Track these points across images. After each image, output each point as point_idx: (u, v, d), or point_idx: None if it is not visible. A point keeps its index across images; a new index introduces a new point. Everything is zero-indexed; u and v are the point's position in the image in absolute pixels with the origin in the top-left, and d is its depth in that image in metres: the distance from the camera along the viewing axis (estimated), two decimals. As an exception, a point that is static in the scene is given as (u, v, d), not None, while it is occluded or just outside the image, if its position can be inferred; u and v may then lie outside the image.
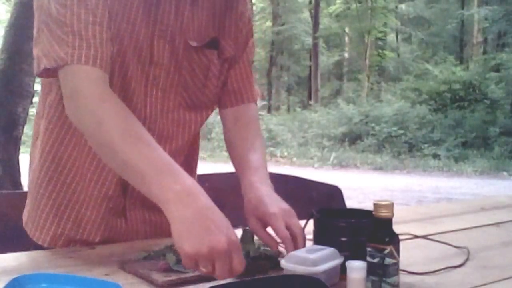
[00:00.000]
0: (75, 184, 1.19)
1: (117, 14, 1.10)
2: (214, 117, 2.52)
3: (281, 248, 1.06)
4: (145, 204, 1.23)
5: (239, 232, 1.13)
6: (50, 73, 1.10)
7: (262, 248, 1.07)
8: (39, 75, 1.11)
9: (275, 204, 1.08)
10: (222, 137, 1.36)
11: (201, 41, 1.20)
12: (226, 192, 1.68)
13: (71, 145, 1.18)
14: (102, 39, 1.06)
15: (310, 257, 0.92)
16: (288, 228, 1.04)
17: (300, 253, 0.95)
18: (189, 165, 1.32)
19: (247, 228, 1.11)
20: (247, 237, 1.08)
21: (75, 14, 1.04)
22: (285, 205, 1.09)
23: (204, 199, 0.92)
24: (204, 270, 0.87)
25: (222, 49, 1.23)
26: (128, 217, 1.23)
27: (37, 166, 1.22)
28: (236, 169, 1.25)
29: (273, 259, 1.03)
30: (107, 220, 1.21)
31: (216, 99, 1.29)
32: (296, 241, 1.03)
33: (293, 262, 0.93)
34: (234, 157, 1.27)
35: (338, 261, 0.94)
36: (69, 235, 1.20)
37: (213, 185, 1.69)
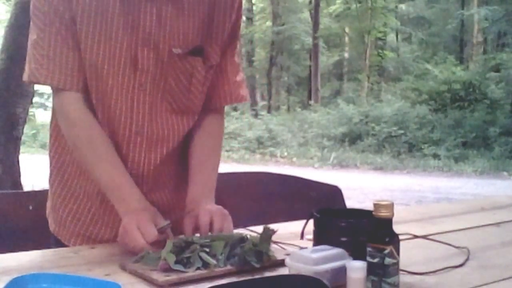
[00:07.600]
0: (84, 185, 1.24)
1: (95, 21, 1.15)
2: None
3: (290, 248, 1.07)
4: (159, 211, 1.25)
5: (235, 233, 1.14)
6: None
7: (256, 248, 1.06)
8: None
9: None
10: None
11: (185, 48, 1.23)
12: (226, 192, 1.68)
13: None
14: (74, 64, 1.17)
15: (313, 256, 0.92)
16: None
17: (304, 252, 0.96)
18: (184, 166, 1.32)
19: (267, 226, 1.09)
20: (267, 235, 1.07)
21: (52, 39, 1.15)
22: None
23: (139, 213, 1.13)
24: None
25: (208, 56, 1.26)
26: None
27: (52, 165, 1.29)
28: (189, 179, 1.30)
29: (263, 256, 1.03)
30: (119, 219, 1.21)
31: (201, 104, 1.31)
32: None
33: (295, 261, 0.93)
34: (189, 166, 1.31)
35: (342, 262, 0.94)
36: (86, 233, 1.25)
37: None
